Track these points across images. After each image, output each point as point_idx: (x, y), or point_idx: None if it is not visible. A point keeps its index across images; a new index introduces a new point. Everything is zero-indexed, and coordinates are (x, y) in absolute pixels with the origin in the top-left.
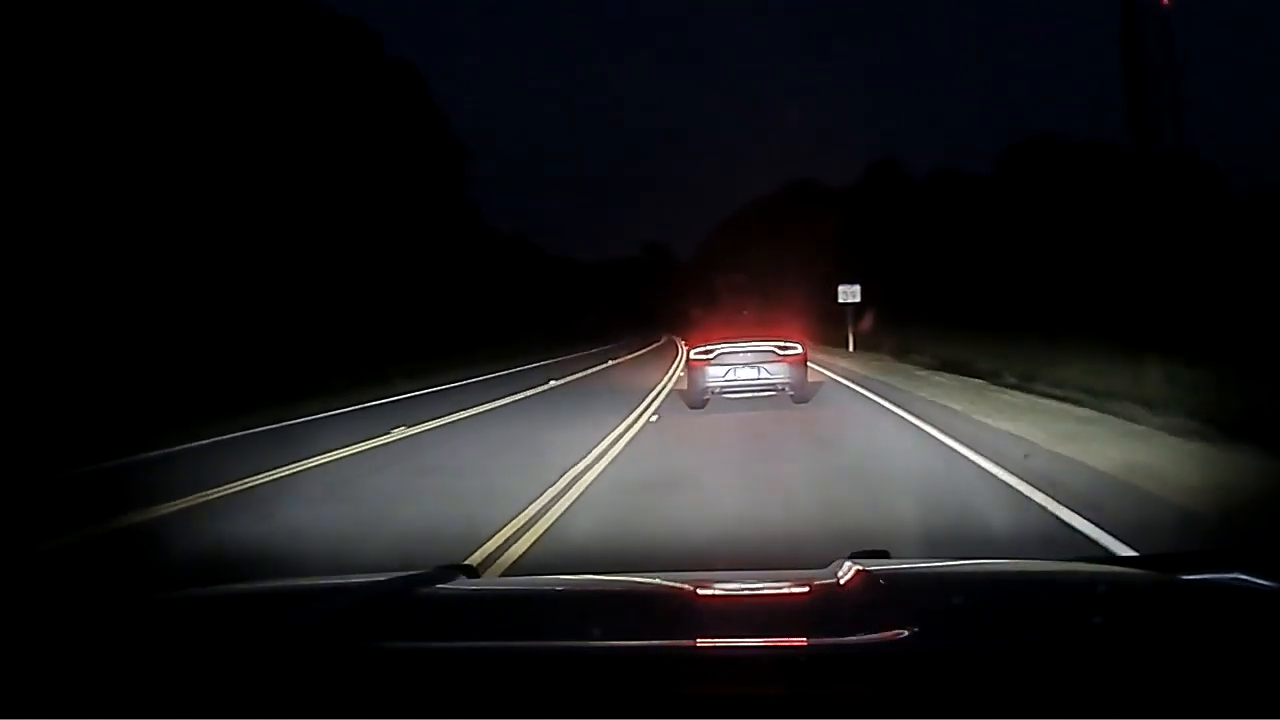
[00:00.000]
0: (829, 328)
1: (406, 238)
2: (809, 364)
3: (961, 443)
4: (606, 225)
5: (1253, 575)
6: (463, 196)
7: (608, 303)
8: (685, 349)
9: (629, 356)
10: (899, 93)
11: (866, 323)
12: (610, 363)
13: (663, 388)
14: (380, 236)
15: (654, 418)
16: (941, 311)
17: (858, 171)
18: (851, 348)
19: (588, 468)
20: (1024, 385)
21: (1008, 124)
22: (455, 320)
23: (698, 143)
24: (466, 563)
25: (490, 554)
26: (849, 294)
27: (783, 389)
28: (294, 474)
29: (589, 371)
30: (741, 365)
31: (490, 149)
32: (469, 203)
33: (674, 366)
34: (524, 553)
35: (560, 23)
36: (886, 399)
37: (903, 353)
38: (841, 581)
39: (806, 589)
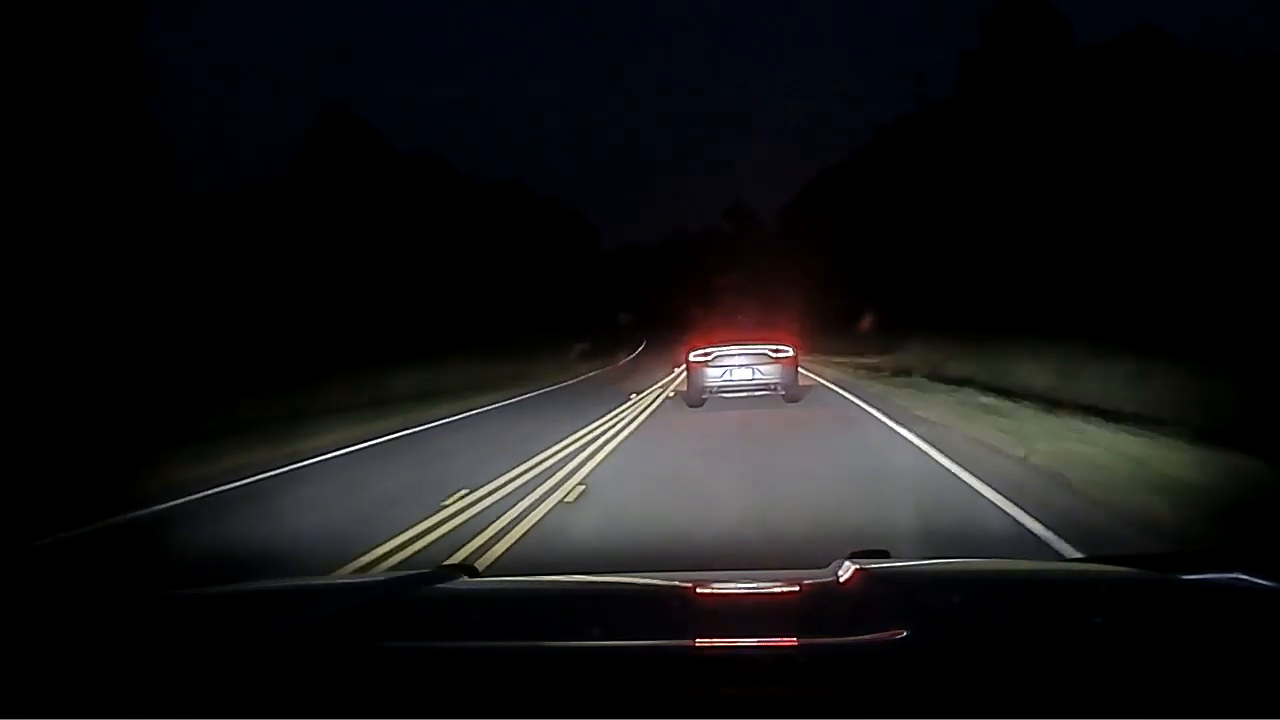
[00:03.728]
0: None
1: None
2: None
3: None
4: (699, 186)
5: (1253, 575)
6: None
7: (645, 298)
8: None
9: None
10: None
11: (866, 323)
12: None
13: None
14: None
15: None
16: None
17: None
18: None
19: None
20: None
21: None
22: (453, 315)
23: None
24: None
25: None
26: None
27: (775, 389)
28: None
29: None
30: (737, 367)
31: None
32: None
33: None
34: None
35: None
36: None
37: None
38: (841, 581)
39: (806, 589)
